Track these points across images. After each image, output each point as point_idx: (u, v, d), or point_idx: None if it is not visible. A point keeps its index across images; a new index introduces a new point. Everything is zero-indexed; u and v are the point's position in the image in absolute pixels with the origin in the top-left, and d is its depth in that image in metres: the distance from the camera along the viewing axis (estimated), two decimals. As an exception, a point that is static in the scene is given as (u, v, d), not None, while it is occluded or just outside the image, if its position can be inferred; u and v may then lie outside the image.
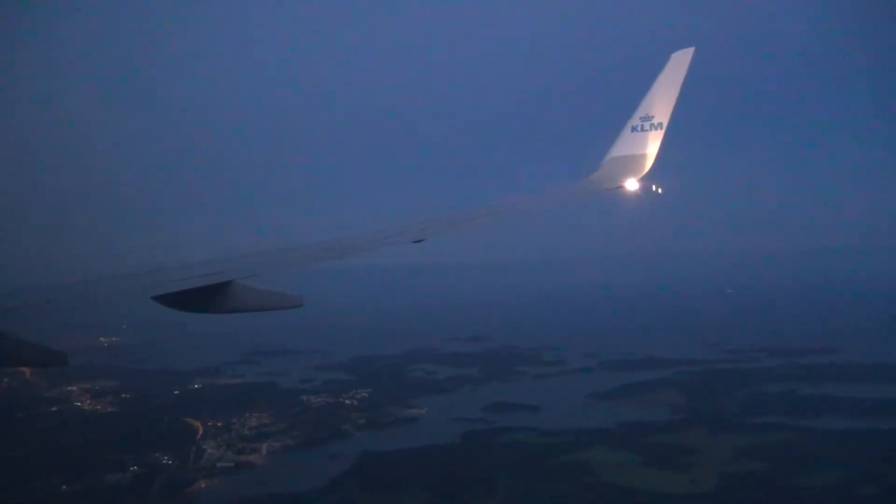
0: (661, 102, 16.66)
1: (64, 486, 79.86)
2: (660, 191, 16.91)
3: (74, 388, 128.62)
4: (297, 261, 11.90)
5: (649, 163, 16.97)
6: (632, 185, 16.65)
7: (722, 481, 74.24)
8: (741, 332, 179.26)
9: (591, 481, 75.41)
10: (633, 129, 17.13)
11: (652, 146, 16.93)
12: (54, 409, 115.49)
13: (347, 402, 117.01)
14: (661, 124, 16.78)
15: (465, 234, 14.40)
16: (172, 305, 9.62)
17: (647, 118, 16.86)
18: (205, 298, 9.67)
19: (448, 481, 76.69)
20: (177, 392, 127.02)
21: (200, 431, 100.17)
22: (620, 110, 17.90)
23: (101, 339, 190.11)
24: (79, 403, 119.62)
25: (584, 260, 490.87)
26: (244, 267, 10.91)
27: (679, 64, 16.32)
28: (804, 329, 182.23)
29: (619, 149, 17.42)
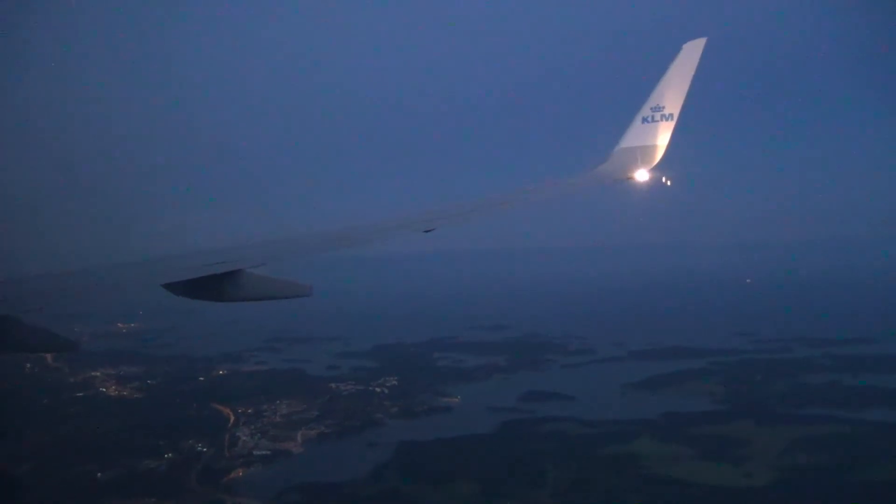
0: (672, 93, 16.52)
1: (99, 474, 77.96)
2: (669, 182, 16.82)
3: (98, 374, 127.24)
4: (307, 250, 11.85)
5: (660, 153, 16.90)
6: (642, 175, 16.68)
7: (780, 475, 71.61)
8: (769, 322, 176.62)
9: (644, 474, 72.90)
10: (644, 119, 17.01)
11: (662, 137, 16.84)
12: (80, 394, 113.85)
13: (377, 389, 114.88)
14: (671, 115, 16.66)
15: (476, 224, 14.22)
16: (182, 293, 9.68)
17: (658, 109, 16.76)
18: (214, 287, 9.69)
19: (495, 472, 74.48)
20: (202, 378, 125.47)
21: (232, 418, 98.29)
22: (631, 101, 17.91)
23: (120, 325, 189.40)
24: (104, 389, 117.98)
25: (596, 250, 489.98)
26: (253, 256, 10.83)
27: (691, 54, 16.11)
28: (833, 319, 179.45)
29: (630, 139, 17.33)
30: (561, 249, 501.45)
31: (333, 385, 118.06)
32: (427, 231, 12.61)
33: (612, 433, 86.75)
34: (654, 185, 16.68)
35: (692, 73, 16.07)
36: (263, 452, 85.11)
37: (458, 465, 77.20)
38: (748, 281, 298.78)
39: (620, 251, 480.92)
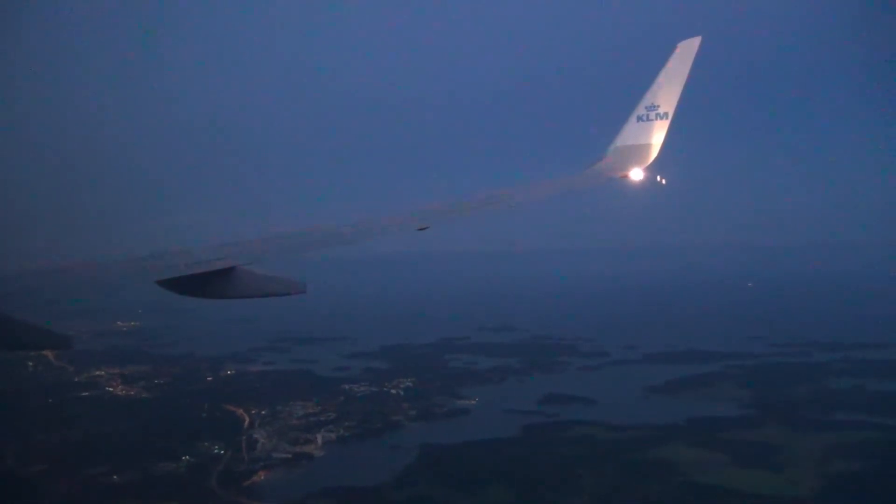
0: (666, 92, 16.46)
1: (114, 476, 75.10)
2: (663, 181, 16.81)
3: (103, 373, 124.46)
4: (301, 247, 11.76)
5: (654, 152, 16.86)
6: (636, 174, 16.65)
7: (825, 482, 69.43)
8: (779, 326, 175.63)
9: (681, 481, 70.59)
10: (639, 118, 16.95)
11: (657, 136, 16.80)
12: (86, 394, 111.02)
13: (393, 391, 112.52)
14: (666, 114, 16.61)
15: (470, 223, 14.93)
16: (176, 290, 9.55)
17: (653, 108, 16.69)
18: (208, 284, 9.61)
19: (528, 477, 71.98)
20: (210, 378, 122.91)
21: (247, 420, 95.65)
22: (626, 99, 17.83)
23: (119, 323, 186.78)
24: (111, 389, 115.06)
25: (590, 251, 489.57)
26: (248, 253, 10.70)
27: (685, 53, 16.05)
28: (844, 322, 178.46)
29: (625, 138, 17.31)
30: (555, 250, 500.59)
31: (347, 386, 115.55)
32: (421, 229, 12.40)
33: (642, 438, 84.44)
34: (649, 184, 16.62)
35: (687, 71, 15.98)
36: (284, 455, 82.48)
37: (488, 469, 74.78)
38: (749, 285, 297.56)
39: (614, 252, 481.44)
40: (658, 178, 16.84)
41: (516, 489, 69.37)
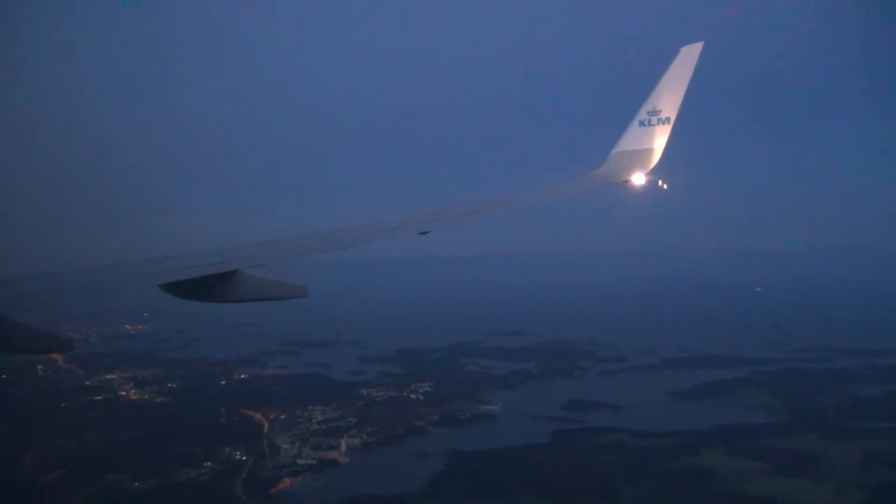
0: (669, 97, 16.44)
1: (136, 483, 72.90)
2: (665, 186, 16.72)
3: (114, 377, 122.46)
4: (303, 251, 11.74)
5: (656, 157, 16.82)
6: (638, 179, 16.65)
7: (870, 493, 67.22)
8: (794, 331, 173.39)
9: (723, 490, 68.48)
10: (641, 123, 16.93)
11: (659, 141, 16.76)
12: (99, 398, 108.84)
13: (412, 396, 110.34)
14: (668, 119, 16.56)
15: (471, 227, 14.22)
16: (178, 294, 9.54)
17: (655, 112, 16.66)
18: (210, 287, 9.55)
19: (563, 486, 69.82)
20: (224, 382, 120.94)
21: (266, 425, 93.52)
22: (628, 104, 17.86)
23: (127, 326, 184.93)
24: (124, 392, 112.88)
25: (592, 255, 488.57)
26: (250, 256, 10.70)
27: (688, 58, 16.05)
28: (859, 327, 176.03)
29: (626, 143, 17.30)
30: (557, 255, 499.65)
31: (364, 391, 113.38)
32: (422, 234, 12.36)
33: (674, 445, 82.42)
34: (651, 188, 16.58)
35: (689, 76, 15.97)
36: (308, 462, 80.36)
37: (520, 478, 72.73)
38: (758, 289, 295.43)
39: (616, 256, 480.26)
40: (660, 182, 16.70)
41: (551, 499, 67.25)
